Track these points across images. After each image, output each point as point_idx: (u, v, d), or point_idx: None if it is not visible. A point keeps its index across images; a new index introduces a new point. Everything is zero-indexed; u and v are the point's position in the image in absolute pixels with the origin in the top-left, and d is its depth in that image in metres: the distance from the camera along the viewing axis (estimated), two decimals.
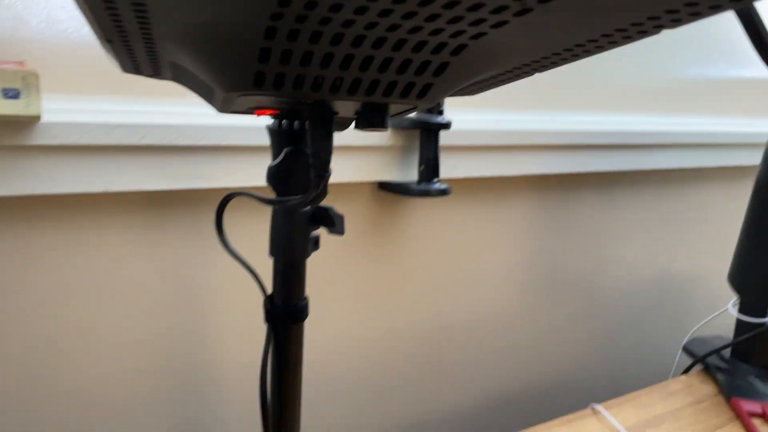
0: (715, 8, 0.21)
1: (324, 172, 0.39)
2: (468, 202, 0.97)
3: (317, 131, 0.37)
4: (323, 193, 0.42)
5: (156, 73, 0.37)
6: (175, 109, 0.70)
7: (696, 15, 0.21)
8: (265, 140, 0.70)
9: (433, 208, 0.92)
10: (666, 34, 1.20)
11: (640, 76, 1.18)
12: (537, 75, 1.07)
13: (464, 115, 0.94)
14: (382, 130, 0.35)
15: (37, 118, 0.50)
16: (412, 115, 0.78)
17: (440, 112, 0.77)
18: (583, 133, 1.02)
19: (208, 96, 0.38)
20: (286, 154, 0.43)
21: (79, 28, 0.63)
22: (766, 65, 0.85)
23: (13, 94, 0.45)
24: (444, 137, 0.82)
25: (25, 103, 0.46)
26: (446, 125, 0.78)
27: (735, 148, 1.31)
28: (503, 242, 1.04)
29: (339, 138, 0.75)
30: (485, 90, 0.40)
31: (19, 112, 0.47)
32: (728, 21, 1.28)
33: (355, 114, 0.38)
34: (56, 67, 0.63)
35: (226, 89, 0.31)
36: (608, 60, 1.12)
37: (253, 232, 0.78)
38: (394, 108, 0.35)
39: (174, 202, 0.72)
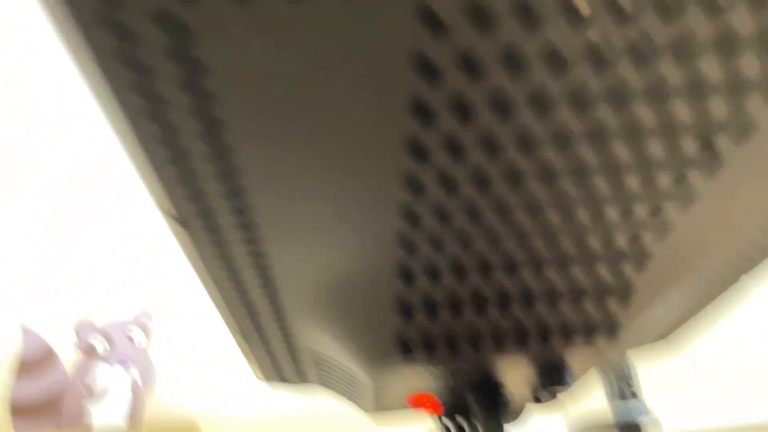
0: None
1: None
2: None
3: (486, 415, 0.30)
4: None
5: (300, 376, 0.34)
6: None
7: None
8: None
9: None
10: None
11: None
12: None
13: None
14: (564, 389, 0.27)
15: None
16: (606, 409, 0.66)
17: (637, 403, 0.64)
18: None
19: (355, 394, 0.33)
20: None
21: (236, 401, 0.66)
22: None
23: None
24: None
25: None
26: (651, 423, 0.63)
27: None
28: None
29: None
30: (683, 326, 0.31)
31: None
32: None
33: (530, 388, 0.31)
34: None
35: (370, 362, 0.26)
36: None
37: None
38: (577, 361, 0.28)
39: None
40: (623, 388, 0.65)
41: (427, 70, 0.14)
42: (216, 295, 0.24)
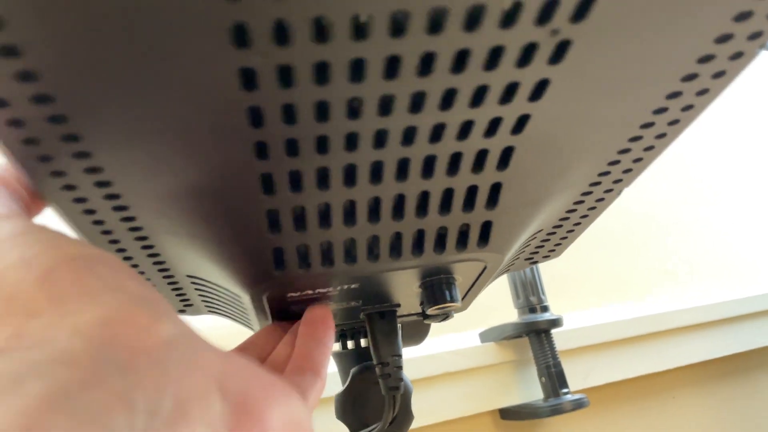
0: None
1: (397, 383, 0.30)
2: (615, 412, 0.80)
3: (375, 327, 0.30)
4: (407, 417, 0.33)
5: (187, 306, 0.32)
6: None
7: None
8: None
9: (573, 426, 0.76)
10: None
11: None
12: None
13: (583, 316, 0.83)
14: (453, 306, 0.27)
15: None
16: (515, 319, 0.69)
17: (545, 308, 0.68)
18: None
19: (250, 321, 0.32)
20: (352, 376, 0.35)
21: None
22: None
23: None
24: (568, 339, 0.71)
25: None
26: (555, 322, 0.67)
27: None
28: None
29: (439, 365, 0.66)
30: (570, 240, 0.32)
31: None
32: None
33: (420, 307, 0.31)
34: None
35: (253, 286, 0.25)
36: None
37: None
38: (463, 276, 0.27)
39: None
40: (532, 300, 0.68)
41: None
42: (69, 222, 0.22)
